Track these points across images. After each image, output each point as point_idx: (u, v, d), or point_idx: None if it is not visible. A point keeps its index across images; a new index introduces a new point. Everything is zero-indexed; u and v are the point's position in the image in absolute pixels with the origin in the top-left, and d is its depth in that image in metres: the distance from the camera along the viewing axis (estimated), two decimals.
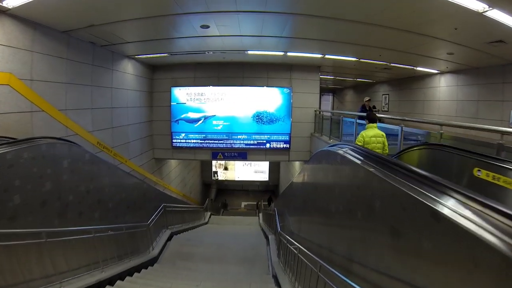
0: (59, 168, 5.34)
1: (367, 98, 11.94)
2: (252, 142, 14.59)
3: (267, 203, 24.55)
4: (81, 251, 5.58)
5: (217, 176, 27.95)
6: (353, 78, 20.10)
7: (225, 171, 27.93)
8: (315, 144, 13.85)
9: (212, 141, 14.76)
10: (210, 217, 18.40)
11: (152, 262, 8.31)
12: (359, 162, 3.45)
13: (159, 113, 15.05)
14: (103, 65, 10.11)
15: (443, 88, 13.54)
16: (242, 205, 30.46)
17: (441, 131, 5.12)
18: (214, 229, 14.07)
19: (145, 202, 9.13)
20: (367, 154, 3.54)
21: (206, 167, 27.86)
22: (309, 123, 14.71)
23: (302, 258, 4.83)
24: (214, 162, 27.65)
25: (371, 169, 3.06)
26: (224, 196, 32.16)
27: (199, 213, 16.28)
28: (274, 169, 27.36)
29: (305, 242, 5.38)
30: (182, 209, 12.69)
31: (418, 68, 13.37)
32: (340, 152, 4.06)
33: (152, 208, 9.59)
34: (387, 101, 18.52)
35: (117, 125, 11.29)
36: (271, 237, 9.45)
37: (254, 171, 27.62)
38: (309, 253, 4.49)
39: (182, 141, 14.95)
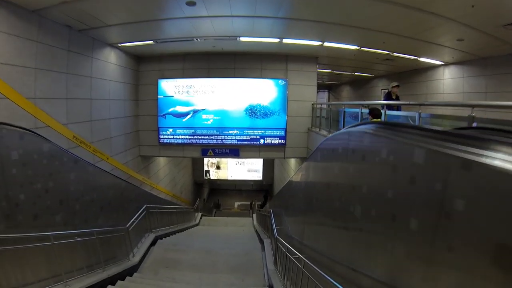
0: (5, 161, 4.33)
1: (394, 84, 9.72)
2: (245, 137, 13.63)
3: (260, 203, 23.58)
4: (35, 262, 4.58)
5: (209, 175, 26.97)
6: (350, 71, 19.23)
7: (218, 170, 26.94)
8: (312, 140, 12.93)
9: (202, 137, 13.77)
10: (201, 218, 17.42)
11: (131, 271, 7.33)
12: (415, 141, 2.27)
13: (145, 107, 14.09)
14: (81, 52, 9.22)
15: (448, 81, 12.68)
16: (236, 205, 29.71)
17: (472, 114, 4.22)
18: (205, 232, 13.09)
19: (123, 203, 8.15)
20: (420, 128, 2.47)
21: (197, 166, 26.87)
22: (306, 118, 13.79)
23: (308, 274, 3.87)
24: (205, 161, 26.67)
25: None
26: (217, 196, 31.33)
27: (189, 214, 15.29)
28: (268, 168, 26.45)
29: (310, 251, 4.45)
30: (169, 210, 11.68)
31: (422, 59, 12.49)
32: (371, 130, 3.02)
33: (133, 210, 8.62)
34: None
35: (97, 118, 10.37)
36: (266, 241, 8.51)
37: (248, 170, 26.67)
38: (320, 271, 3.51)
39: (169, 137, 13.95)
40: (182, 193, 22.12)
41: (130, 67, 13.16)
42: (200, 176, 27.15)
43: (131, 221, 7.99)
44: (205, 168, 26.89)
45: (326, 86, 27.49)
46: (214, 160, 26.73)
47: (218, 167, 26.91)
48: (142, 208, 8.94)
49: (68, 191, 5.81)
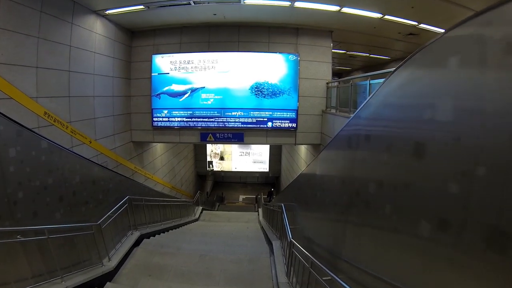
0: None
1: None
2: (250, 120, 11.85)
3: (267, 196, 21.78)
4: None
5: (212, 166, 25.25)
6: (366, 52, 17.38)
7: (221, 161, 25.21)
8: (328, 124, 11.15)
9: (201, 119, 12.02)
10: (201, 212, 15.79)
11: (104, 279, 5.71)
12: None
13: (138, 87, 12.45)
14: (57, 16, 7.86)
15: None
16: (240, 199, 28.25)
17: None
18: (203, 229, 11.38)
19: (96, 193, 6.44)
20: None
21: (200, 156, 25.22)
22: (319, 98, 12.00)
23: None
24: (208, 151, 24.97)
25: None
26: (221, 189, 29.78)
27: (187, 208, 13.61)
28: (275, 159, 24.70)
29: (355, 271, 2.69)
30: (161, 203, 9.97)
31: None
32: None
33: (112, 202, 6.94)
34: None
35: (78, 94, 8.94)
36: (275, 244, 6.77)
37: (253, 161, 24.90)
38: None
39: (164, 119, 12.23)
40: (183, 185, 20.51)
41: (121, 41, 11.57)
42: (202, 168, 25.48)
43: (105, 216, 6.32)
44: (208, 159, 25.18)
45: (335, 73, 25.63)
46: (218, 150, 25.03)
47: (221, 158, 25.18)
48: (123, 200, 7.25)
49: (4, 172, 4.11)
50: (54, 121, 7.85)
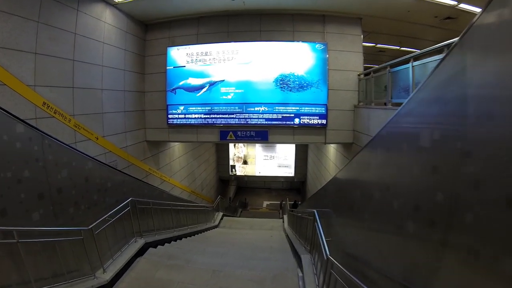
0: None
1: None
2: (275, 116, 10.64)
3: (292, 205, 20.42)
4: None
5: (235, 171, 24.19)
6: (397, 45, 15.89)
7: (244, 165, 24.14)
8: (362, 119, 9.82)
9: (220, 116, 10.91)
10: (222, 218, 14.64)
11: None
12: None
13: (152, 82, 11.63)
14: (60, 1, 7.28)
15: None
16: (264, 205, 27.11)
17: None
18: (222, 237, 10.22)
19: (89, 193, 5.39)
20: None
21: (222, 160, 24.23)
22: (351, 92, 10.70)
23: None
24: (231, 155, 23.97)
25: None
26: (244, 194, 28.68)
27: (206, 214, 12.50)
28: (301, 163, 23.39)
29: None
30: (174, 207, 8.86)
31: None
32: None
33: (110, 204, 5.88)
34: None
35: (83, 86, 8.21)
36: (305, 258, 5.47)
37: (278, 165, 23.70)
38: None
39: (180, 116, 11.22)
40: (203, 190, 19.51)
41: (133, 34, 10.82)
42: (225, 172, 24.45)
43: (100, 220, 5.26)
44: (231, 162, 24.15)
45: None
46: (241, 153, 23.99)
47: (245, 162, 24.10)
48: (124, 203, 6.17)
49: None
50: (55, 112, 7.12)
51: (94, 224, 5.07)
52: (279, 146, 23.45)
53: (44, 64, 6.81)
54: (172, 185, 13.90)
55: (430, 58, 6.01)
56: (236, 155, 24.03)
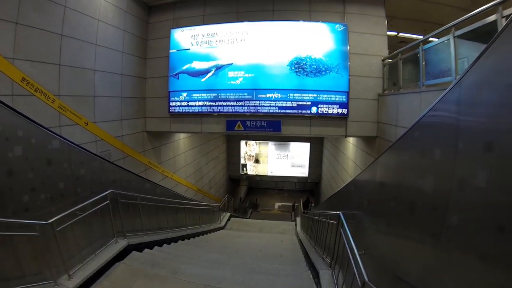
0: None
1: None
2: (289, 104, 9.34)
3: (303, 204, 18.96)
4: None
5: (246, 170, 22.96)
6: (421, 34, 14.42)
7: (256, 164, 22.89)
8: (389, 109, 8.49)
9: (227, 104, 9.69)
10: (229, 219, 13.41)
11: None
12: None
13: (154, 67, 10.57)
14: None
15: None
16: (276, 206, 25.93)
17: None
18: (226, 240, 8.98)
19: (53, 178, 4.23)
20: None
21: (233, 158, 23.06)
22: (374, 79, 9.38)
23: None
24: (242, 153, 22.77)
25: None
26: (255, 195, 27.50)
27: (210, 214, 11.28)
28: (315, 163, 22.01)
29: None
30: (171, 205, 7.65)
31: None
32: None
33: (83, 196, 4.73)
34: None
35: (71, 64, 7.31)
36: (324, 276, 4.14)
37: (291, 164, 22.39)
38: None
39: (183, 104, 10.06)
40: (212, 189, 18.38)
41: (134, 14, 9.87)
42: (235, 171, 23.26)
43: (65, 213, 4.12)
44: (242, 161, 22.93)
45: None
46: (253, 152, 22.75)
47: (256, 161, 22.85)
48: (101, 195, 4.99)
49: None
50: (36, 90, 6.28)
51: (56, 218, 3.93)
52: (292, 145, 22.16)
53: (26, 36, 6.04)
54: (176, 182, 12.79)
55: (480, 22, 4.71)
56: (248, 154, 22.82)
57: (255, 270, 4.76)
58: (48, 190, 4.14)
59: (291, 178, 23.24)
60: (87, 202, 4.69)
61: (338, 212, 3.86)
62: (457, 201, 1.62)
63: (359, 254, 2.84)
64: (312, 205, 22.56)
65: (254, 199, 26.31)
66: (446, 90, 1.88)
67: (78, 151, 4.87)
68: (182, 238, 7.85)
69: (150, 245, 6.29)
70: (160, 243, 6.71)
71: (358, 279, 2.59)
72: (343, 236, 3.49)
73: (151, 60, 10.49)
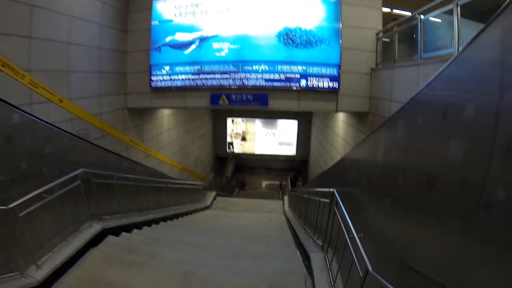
0: None
1: None
2: (277, 76, 8.84)
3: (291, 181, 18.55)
4: None
5: (233, 148, 22.53)
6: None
7: (243, 142, 22.47)
8: (383, 83, 8.13)
9: (212, 76, 9.13)
10: (214, 199, 13.05)
11: None
12: None
13: (135, 41, 9.87)
14: None
15: None
16: (263, 185, 25.78)
17: None
18: (210, 221, 8.62)
19: (12, 158, 3.75)
20: None
21: (219, 137, 22.57)
22: (368, 53, 8.93)
23: None
24: (229, 131, 22.26)
25: None
26: (243, 174, 27.20)
27: (194, 194, 10.90)
28: (303, 141, 21.68)
29: None
30: (151, 184, 7.20)
31: None
32: None
33: (51, 177, 4.26)
34: None
35: (44, 36, 6.66)
36: (316, 259, 3.73)
37: (279, 142, 22.02)
38: None
39: (165, 78, 9.49)
40: (197, 168, 17.91)
41: None
42: (222, 149, 22.80)
43: (29, 196, 3.67)
44: (228, 139, 22.46)
45: None
46: (239, 129, 22.27)
47: (243, 139, 22.41)
48: (71, 175, 4.52)
49: None
50: (3, 65, 5.63)
51: (18, 202, 3.49)
52: (280, 122, 21.72)
53: None
54: (160, 161, 12.32)
55: None
56: (234, 131, 22.34)
57: (240, 254, 4.39)
58: (7, 170, 3.67)
59: (278, 157, 22.92)
60: (54, 183, 4.23)
61: (331, 190, 3.47)
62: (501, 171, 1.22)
63: (358, 237, 2.46)
64: (300, 183, 22.38)
65: (241, 178, 26.05)
66: None
67: (42, 126, 4.37)
68: (164, 219, 7.45)
69: (129, 228, 5.87)
70: (139, 225, 6.31)
71: (358, 267, 2.22)
72: (338, 216, 3.11)
73: (132, 34, 9.80)
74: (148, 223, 6.63)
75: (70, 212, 4.67)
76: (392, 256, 2.15)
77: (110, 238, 5.01)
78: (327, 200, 3.75)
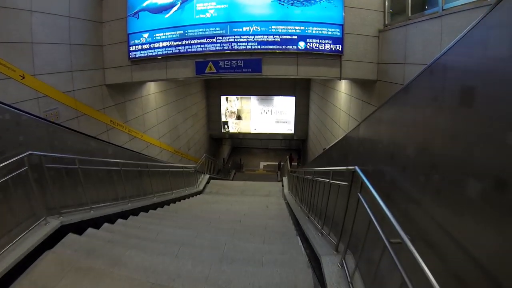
0: None
1: None
2: (271, 38, 7.69)
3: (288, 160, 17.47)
4: None
5: (228, 127, 21.43)
6: None
7: (238, 120, 21.33)
8: (395, 45, 7.02)
9: (196, 42, 7.96)
10: (208, 182, 12.05)
11: None
12: None
13: (111, 8, 8.69)
14: None
15: None
16: (261, 166, 24.95)
17: None
18: (199, 209, 7.57)
19: None
20: None
21: (213, 116, 21.43)
22: (374, 12, 7.77)
23: None
24: (223, 109, 21.08)
25: None
26: (239, 155, 26.34)
27: (184, 177, 9.85)
28: (301, 119, 20.58)
29: None
30: (127, 168, 6.12)
31: None
32: None
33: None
34: None
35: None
36: (328, 263, 2.74)
37: (276, 120, 20.90)
38: None
39: (144, 47, 8.34)
40: (190, 150, 16.89)
41: None
42: (216, 129, 21.68)
43: None
44: (223, 118, 21.32)
45: None
46: (234, 108, 21.12)
47: (238, 117, 21.27)
48: (13, 160, 3.47)
49: None
50: None
51: None
52: (276, 99, 20.54)
53: None
54: (147, 143, 11.28)
55: None
56: (229, 110, 21.18)
57: (228, 256, 3.35)
58: None
59: (276, 136, 21.82)
60: None
61: (352, 168, 2.44)
62: None
63: (408, 240, 1.45)
64: (300, 164, 21.40)
65: (238, 159, 25.17)
66: None
67: None
68: (146, 208, 6.43)
69: (99, 222, 4.85)
70: (114, 218, 5.29)
71: None
72: (366, 206, 2.10)
73: (107, 1, 8.62)
74: (125, 214, 5.62)
75: (19, 207, 3.66)
76: (475, 276, 1.15)
77: (70, 236, 3.99)
78: (345, 183, 2.71)
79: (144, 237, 4.27)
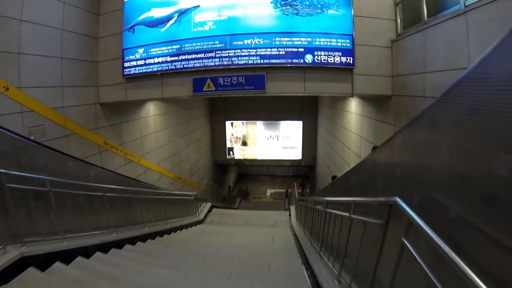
0: None
1: None
2: (275, 51, 7.01)
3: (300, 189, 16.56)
4: None
5: (233, 154, 20.70)
6: None
7: (244, 146, 20.63)
8: (412, 54, 6.30)
9: (194, 56, 7.34)
10: (210, 211, 11.20)
11: None
12: None
13: (108, 23, 8.25)
14: None
15: None
16: (268, 193, 24.15)
17: None
18: (194, 242, 6.62)
19: None
20: None
21: (218, 141, 20.78)
22: (385, 21, 7.13)
23: None
24: (228, 135, 20.43)
25: None
26: (246, 182, 25.51)
27: (182, 205, 9.03)
28: (309, 144, 19.78)
29: None
30: (105, 193, 5.28)
31: None
32: None
33: None
34: None
35: None
36: None
37: (283, 146, 20.16)
38: None
39: (139, 63, 7.76)
40: (193, 176, 16.10)
41: None
42: (221, 155, 20.95)
43: None
44: (228, 144, 20.64)
45: None
46: (239, 133, 20.46)
47: (244, 143, 20.57)
48: None
49: None
50: None
51: None
52: (283, 124, 19.87)
53: None
54: (145, 168, 10.56)
55: None
56: (234, 135, 20.52)
57: None
58: None
59: (283, 162, 20.99)
60: None
61: (391, 200, 1.61)
62: None
63: None
64: (307, 191, 20.48)
65: (244, 187, 24.36)
66: None
67: None
68: (133, 240, 5.61)
69: (72, 254, 4.05)
70: (91, 250, 4.47)
71: None
72: (419, 260, 1.29)
73: (104, 16, 8.17)
74: (106, 246, 4.80)
75: None
76: None
77: (30, 272, 3.21)
78: (377, 221, 1.86)
79: (119, 278, 3.46)
